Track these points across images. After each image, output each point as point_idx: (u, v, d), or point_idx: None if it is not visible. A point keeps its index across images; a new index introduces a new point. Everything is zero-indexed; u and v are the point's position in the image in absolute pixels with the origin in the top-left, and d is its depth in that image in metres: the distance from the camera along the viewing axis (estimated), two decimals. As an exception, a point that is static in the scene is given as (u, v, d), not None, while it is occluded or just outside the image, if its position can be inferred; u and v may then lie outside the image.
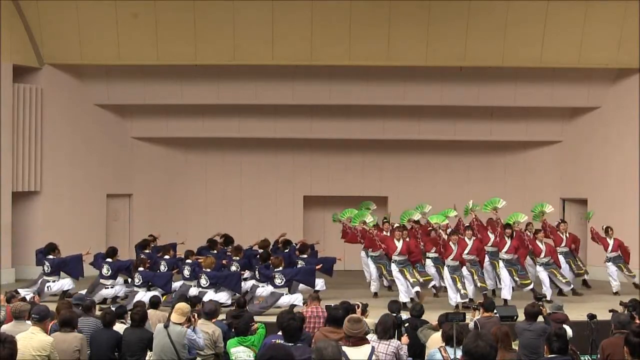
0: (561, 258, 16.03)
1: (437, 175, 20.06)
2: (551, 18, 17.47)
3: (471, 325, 10.38)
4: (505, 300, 14.59)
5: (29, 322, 7.83)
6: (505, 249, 15.03)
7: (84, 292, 13.83)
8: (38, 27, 17.74)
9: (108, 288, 14.70)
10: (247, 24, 17.69)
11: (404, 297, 14.45)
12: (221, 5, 17.52)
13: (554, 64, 18.07)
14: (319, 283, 15.03)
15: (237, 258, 15.49)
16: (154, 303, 11.15)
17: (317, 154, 20.13)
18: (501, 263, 15.02)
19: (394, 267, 15.07)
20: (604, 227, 16.30)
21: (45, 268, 14.92)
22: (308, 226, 20.38)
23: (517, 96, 18.71)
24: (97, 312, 10.73)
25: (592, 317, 11.28)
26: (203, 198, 20.11)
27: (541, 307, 10.46)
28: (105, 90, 18.89)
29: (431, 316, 10.68)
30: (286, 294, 14.02)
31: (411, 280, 14.72)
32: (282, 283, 14.04)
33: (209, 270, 14.38)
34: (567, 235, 16.41)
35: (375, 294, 15.81)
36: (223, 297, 13.95)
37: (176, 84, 18.71)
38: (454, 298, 14.37)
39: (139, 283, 14.31)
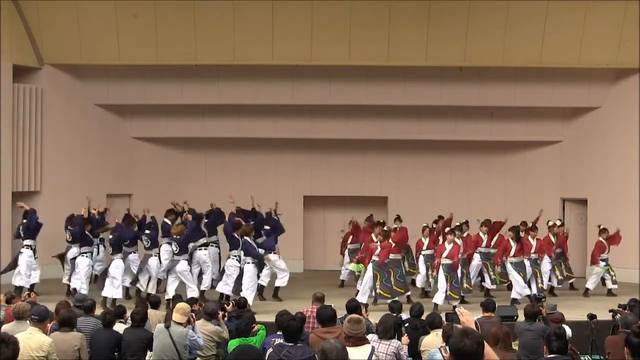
0: (546, 259, 15.98)
1: (437, 175, 20.05)
2: (551, 18, 17.47)
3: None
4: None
5: (29, 322, 7.83)
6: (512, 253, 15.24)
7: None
8: (38, 27, 17.73)
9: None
10: (247, 24, 17.68)
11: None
12: (221, 5, 17.52)
13: (554, 64, 18.06)
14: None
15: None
16: (154, 303, 11.16)
17: (317, 154, 20.11)
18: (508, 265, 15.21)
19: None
20: (600, 227, 16.32)
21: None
22: (308, 226, 20.37)
23: (517, 96, 18.70)
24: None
25: (592, 317, 11.30)
26: (203, 198, 20.02)
27: (540, 308, 10.48)
28: (105, 90, 18.87)
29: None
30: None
31: (378, 290, 14.54)
32: None
33: (178, 237, 14.74)
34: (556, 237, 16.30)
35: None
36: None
37: (176, 84, 18.70)
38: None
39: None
